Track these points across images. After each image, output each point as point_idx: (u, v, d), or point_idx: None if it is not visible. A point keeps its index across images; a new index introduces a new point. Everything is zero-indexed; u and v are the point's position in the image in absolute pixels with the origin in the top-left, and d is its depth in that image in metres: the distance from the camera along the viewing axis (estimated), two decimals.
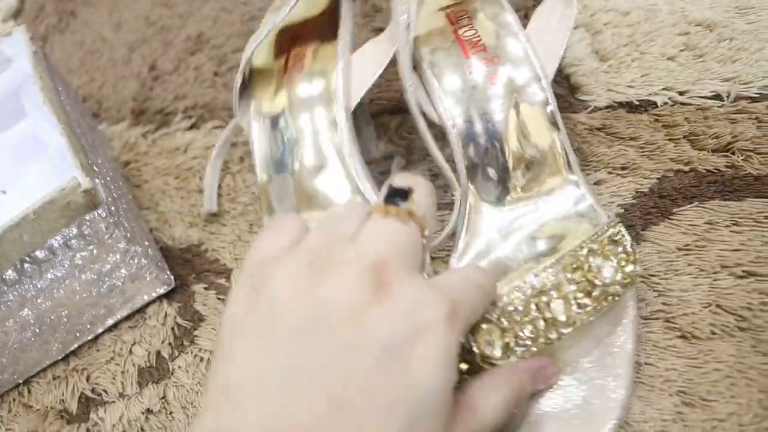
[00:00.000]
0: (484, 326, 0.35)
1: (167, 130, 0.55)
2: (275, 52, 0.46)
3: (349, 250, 0.29)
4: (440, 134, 0.42)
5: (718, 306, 0.38)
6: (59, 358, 0.44)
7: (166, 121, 0.56)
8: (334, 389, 0.25)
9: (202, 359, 0.43)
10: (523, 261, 0.39)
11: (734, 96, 0.46)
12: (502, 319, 0.35)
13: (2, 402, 0.44)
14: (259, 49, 0.43)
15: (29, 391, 0.44)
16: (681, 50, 0.49)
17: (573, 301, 0.35)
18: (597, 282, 0.35)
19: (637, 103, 0.47)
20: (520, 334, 0.34)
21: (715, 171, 0.43)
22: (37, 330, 0.42)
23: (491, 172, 0.41)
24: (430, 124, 0.41)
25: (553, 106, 0.41)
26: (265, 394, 0.25)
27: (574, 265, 0.35)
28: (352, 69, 0.43)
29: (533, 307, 0.35)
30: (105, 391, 0.43)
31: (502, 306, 0.35)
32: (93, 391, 0.43)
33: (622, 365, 0.36)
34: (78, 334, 0.44)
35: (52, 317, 0.42)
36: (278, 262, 0.29)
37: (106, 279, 0.42)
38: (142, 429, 0.41)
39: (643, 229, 0.42)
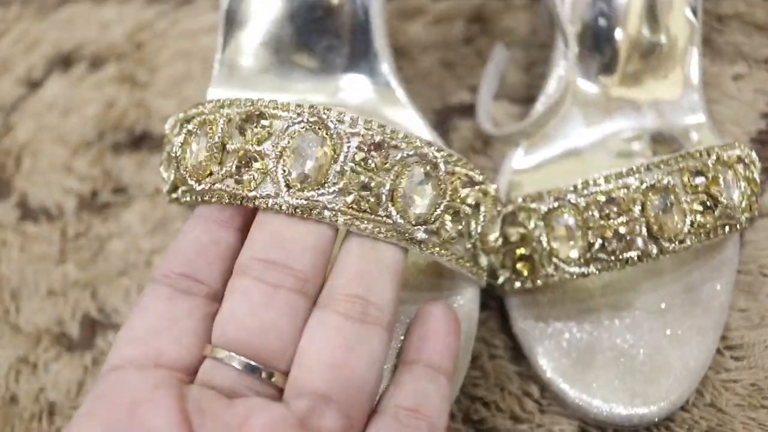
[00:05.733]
0: (562, 215, 0.27)
1: (189, 9, 0.45)
2: None
3: None
4: None
5: None
6: None
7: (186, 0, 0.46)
8: None
9: None
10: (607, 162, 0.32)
11: None
12: (594, 212, 0.26)
13: None
14: None
15: (18, 309, 0.35)
16: None
17: (688, 213, 0.26)
18: (722, 199, 0.26)
19: None
20: (608, 234, 0.26)
21: None
22: None
23: (594, 44, 0.33)
24: None
25: None
26: None
27: (698, 169, 0.27)
28: None
29: (638, 206, 0.26)
30: (115, 311, 0.34)
31: (593, 195, 0.26)
32: (100, 311, 0.34)
33: (709, 317, 0.29)
34: None
35: None
36: None
37: None
38: None
39: None
